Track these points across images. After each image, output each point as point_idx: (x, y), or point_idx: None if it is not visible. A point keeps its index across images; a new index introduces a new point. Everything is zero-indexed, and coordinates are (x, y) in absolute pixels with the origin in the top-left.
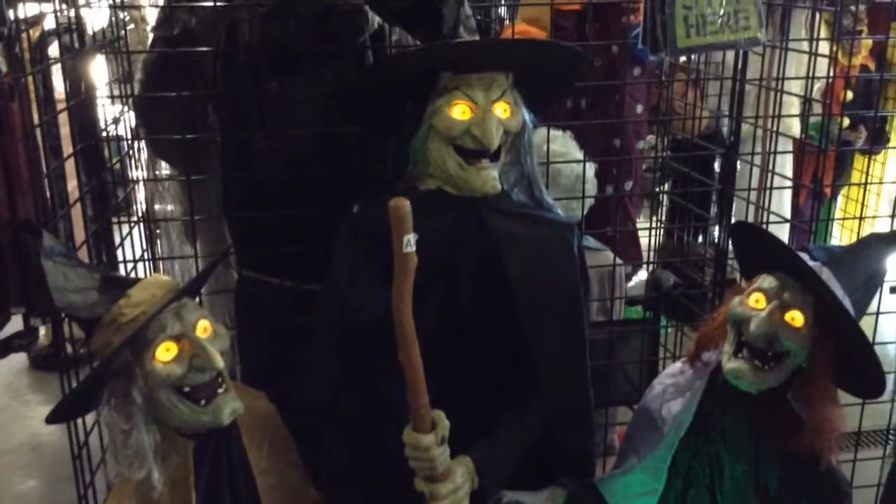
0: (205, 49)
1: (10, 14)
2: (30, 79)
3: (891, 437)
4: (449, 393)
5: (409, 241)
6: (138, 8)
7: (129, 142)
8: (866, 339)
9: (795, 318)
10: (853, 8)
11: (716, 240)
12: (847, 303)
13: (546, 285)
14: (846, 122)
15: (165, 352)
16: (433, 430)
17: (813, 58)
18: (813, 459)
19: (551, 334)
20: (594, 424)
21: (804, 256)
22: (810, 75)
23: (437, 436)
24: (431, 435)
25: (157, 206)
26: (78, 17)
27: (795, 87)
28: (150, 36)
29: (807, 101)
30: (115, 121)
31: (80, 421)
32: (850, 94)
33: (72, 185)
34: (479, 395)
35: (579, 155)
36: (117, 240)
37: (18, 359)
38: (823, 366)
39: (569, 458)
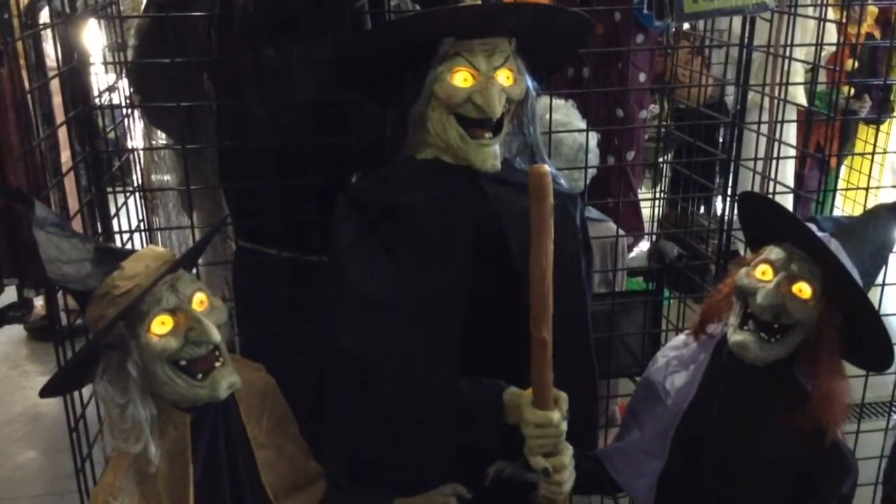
0: (199, 14)
1: None
2: (20, 45)
3: (894, 408)
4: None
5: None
6: None
7: (124, 110)
8: (875, 312)
9: (803, 289)
10: None
11: (719, 211)
12: (856, 274)
13: None
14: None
15: (161, 325)
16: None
17: (821, 24)
18: (819, 432)
19: (554, 305)
20: (598, 396)
21: (812, 227)
22: (819, 42)
23: (560, 410)
24: (557, 410)
25: (153, 177)
26: None
27: (800, 54)
28: (144, 1)
29: (815, 68)
30: (109, 89)
31: (76, 393)
32: (854, 63)
33: (65, 155)
34: (485, 367)
35: (581, 124)
36: (112, 210)
37: (16, 329)
38: (830, 338)
39: (572, 430)
